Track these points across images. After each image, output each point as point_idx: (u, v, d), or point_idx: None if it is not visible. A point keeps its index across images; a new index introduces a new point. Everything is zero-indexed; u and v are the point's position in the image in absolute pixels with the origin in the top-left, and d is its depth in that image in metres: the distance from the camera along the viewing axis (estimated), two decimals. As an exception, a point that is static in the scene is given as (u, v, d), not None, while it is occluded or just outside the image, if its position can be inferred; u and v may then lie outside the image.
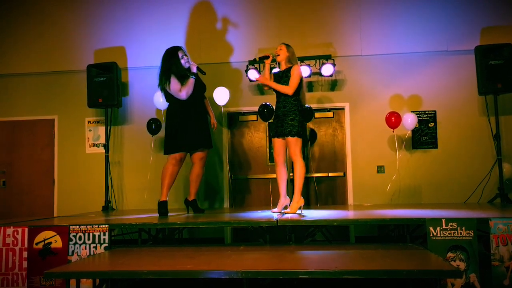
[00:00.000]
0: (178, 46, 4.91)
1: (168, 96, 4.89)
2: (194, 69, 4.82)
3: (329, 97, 6.27)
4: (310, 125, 6.37)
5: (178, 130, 4.78)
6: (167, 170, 4.81)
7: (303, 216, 4.21)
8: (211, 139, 5.00)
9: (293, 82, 4.42)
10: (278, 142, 4.58)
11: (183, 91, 4.73)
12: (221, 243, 5.78)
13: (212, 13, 6.53)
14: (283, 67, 4.60)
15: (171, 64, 4.79)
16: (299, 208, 4.48)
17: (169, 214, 4.81)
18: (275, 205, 4.79)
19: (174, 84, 4.74)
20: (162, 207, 4.77)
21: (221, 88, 5.89)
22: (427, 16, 6.18)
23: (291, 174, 4.79)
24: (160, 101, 6.01)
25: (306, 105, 5.70)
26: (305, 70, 5.82)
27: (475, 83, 5.75)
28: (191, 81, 4.78)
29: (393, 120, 5.70)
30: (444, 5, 6.17)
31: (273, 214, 4.48)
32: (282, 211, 4.54)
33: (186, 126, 4.79)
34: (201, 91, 4.97)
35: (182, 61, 4.83)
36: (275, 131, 4.56)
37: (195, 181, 4.96)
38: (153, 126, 6.10)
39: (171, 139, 4.82)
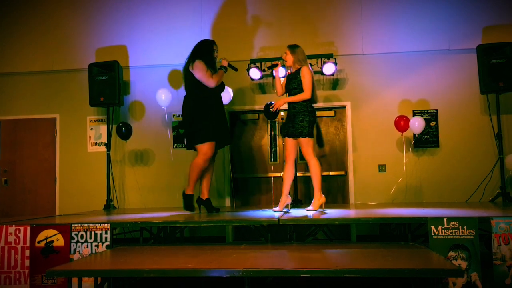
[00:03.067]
0: (213, 40, 5.00)
1: (191, 84, 4.78)
2: (225, 64, 4.95)
3: (331, 96, 6.27)
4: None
5: (213, 120, 4.70)
6: (198, 166, 4.66)
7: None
8: None
9: (307, 85, 4.48)
10: (289, 141, 4.62)
11: (215, 78, 4.72)
12: (223, 242, 5.78)
13: (214, 12, 6.53)
14: (294, 68, 4.65)
15: (203, 51, 4.83)
16: (321, 206, 4.52)
17: (171, 213, 4.79)
18: (276, 204, 4.80)
19: (202, 68, 4.68)
20: (189, 199, 4.70)
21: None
22: (428, 15, 6.16)
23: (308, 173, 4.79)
24: (162, 99, 6.00)
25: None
26: (307, 69, 5.84)
27: (477, 82, 5.74)
28: (222, 72, 4.88)
29: (402, 124, 5.73)
30: (445, 4, 6.15)
31: (274, 213, 4.49)
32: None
33: (219, 119, 4.78)
34: (222, 90, 4.99)
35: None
36: (287, 131, 4.61)
37: (207, 178, 4.87)
38: (123, 129, 6.06)
39: (205, 126, 4.65)
